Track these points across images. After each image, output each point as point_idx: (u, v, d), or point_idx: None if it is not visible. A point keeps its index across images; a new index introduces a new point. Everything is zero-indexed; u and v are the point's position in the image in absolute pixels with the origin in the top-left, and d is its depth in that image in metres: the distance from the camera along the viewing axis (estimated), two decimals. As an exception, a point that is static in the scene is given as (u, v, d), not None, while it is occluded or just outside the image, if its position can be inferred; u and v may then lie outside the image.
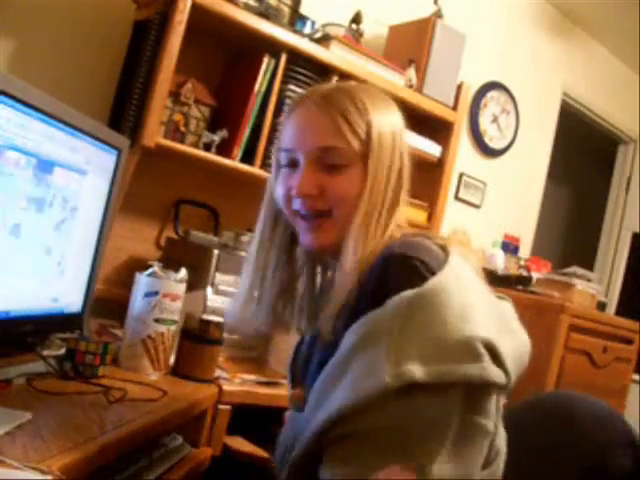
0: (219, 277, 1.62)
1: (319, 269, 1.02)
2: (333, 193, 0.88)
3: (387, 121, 0.92)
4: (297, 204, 0.90)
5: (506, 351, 0.75)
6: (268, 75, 1.82)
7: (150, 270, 1.33)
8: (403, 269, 0.78)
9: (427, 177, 2.25)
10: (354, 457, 0.73)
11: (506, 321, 0.84)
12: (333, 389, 0.76)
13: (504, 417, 0.85)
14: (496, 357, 0.73)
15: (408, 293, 0.74)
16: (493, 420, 0.76)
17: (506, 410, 0.86)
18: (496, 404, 0.78)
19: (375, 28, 2.36)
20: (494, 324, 0.78)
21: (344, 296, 0.84)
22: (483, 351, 0.72)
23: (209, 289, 1.60)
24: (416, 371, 0.70)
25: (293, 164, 0.91)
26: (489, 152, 3.00)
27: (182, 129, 1.76)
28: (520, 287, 2.51)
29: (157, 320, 1.29)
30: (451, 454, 0.71)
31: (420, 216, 2.25)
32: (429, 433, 0.71)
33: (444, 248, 0.83)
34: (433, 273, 0.77)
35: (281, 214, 0.97)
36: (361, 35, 2.15)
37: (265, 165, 1.84)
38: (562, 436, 0.97)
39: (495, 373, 0.73)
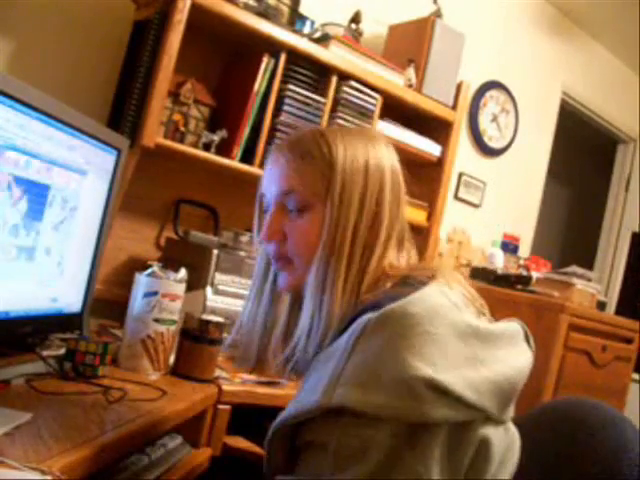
0: (219, 277, 1.63)
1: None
2: (294, 237, 0.88)
3: (358, 160, 0.87)
4: (268, 248, 0.92)
5: (470, 383, 0.71)
6: (267, 75, 1.82)
7: (150, 270, 1.33)
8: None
9: (426, 177, 2.25)
10: (303, 469, 0.75)
11: (489, 350, 0.77)
12: (291, 404, 0.79)
13: (516, 425, 0.84)
14: (447, 394, 0.69)
15: (366, 316, 0.73)
16: (434, 465, 0.70)
17: (516, 416, 0.84)
18: (471, 438, 0.73)
19: (374, 28, 2.37)
20: (459, 356, 0.72)
21: (308, 344, 0.84)
22: (425, 392, 0.68)
23: (209, 289, 1.60)
24: (348, 396, 0.69)
25: (266, 209, 0.93)
26: (489, 151, 3.00)
27: (181, 129, 1.76)
28: (520, 287, 2.51)
29: (157, 320, 1.29)
30: None
31: (420, 216, 2.25)
32: (355, 459, 0.69)
33: (421, 282, 0.79)
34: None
35: None
36: (360, 35, 2.15)
37: (265, 165, 1.83)
38: (574, 443, 0.95)
39: (440, 413, 0.68)
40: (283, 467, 0.80)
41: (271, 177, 0.91)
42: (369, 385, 0.69)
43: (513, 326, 0.84)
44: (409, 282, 0.81)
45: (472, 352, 0.75)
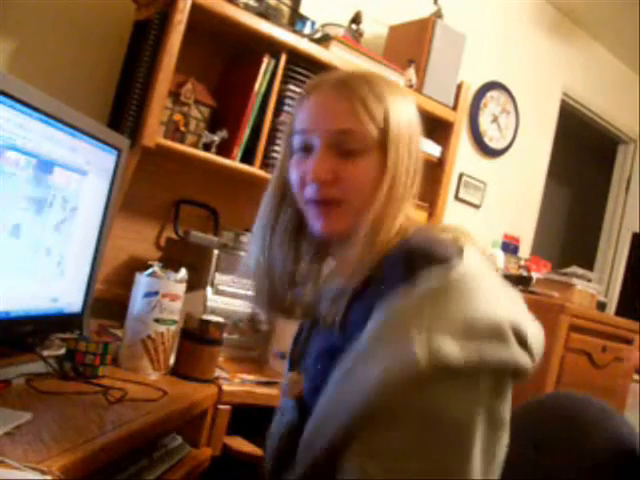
0: (219, 277, 1.63)
1: (325, 257, 1.00)
2: (348, 180, 0.85)
3: (405, 111, 0.90)
4: (310, 190, 0.87)
5: (532, 335, 0.74)
6: (268, 75, 1.82)
7: (150, 270, 1.33)
8: (427, 262, 0.75)
9: (427, 177, 2.22)
10: (382, 452, 0.69)
11: (526, 308, 0.82)
12: (355, 377, 0.71)
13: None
14: (523, 341, 0.72)
15: (433, 281, 0.72)
16: (509, 411, 0.74)
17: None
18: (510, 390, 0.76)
19: (375, 28, 2.36)
20: (518, 309, 0.77)
21: (351, 283, 0.82)
22: (511, 334, 0.70)
23: (209, 289, 1.60)
24: (449, 347, 0.67)
25: (307, 148, 0.88)
26: (489, 152, 3.00)
27: (182, 129, 1.76)
28: (520, 287, 2.51)
29: (157, 320, 1.29)
30: (481, 454, 0.69)
31: (420, 216, 2.25)
32: (458, 433, 0.68)
33: (456, 241, 0.81)
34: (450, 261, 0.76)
35: (289, 198, 0.95)
36: (361, 35, 2.15)
37: (265, 165, 1.84)
38: (563, 437, 0.96)
39: (523, 358, 0.71)
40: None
41: (322, 115, 0.87)
42: (466, 334, 0.68)
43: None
44: (438, 227, 0.87)
45: (522, 308, 0.78)
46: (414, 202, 0.93)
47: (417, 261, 0.76)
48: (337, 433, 0.71)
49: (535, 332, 0.77)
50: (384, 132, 0.86)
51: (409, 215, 0.90)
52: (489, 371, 0.70)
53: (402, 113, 0.89)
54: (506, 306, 0.74)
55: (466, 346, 0.68)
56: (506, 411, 0.73)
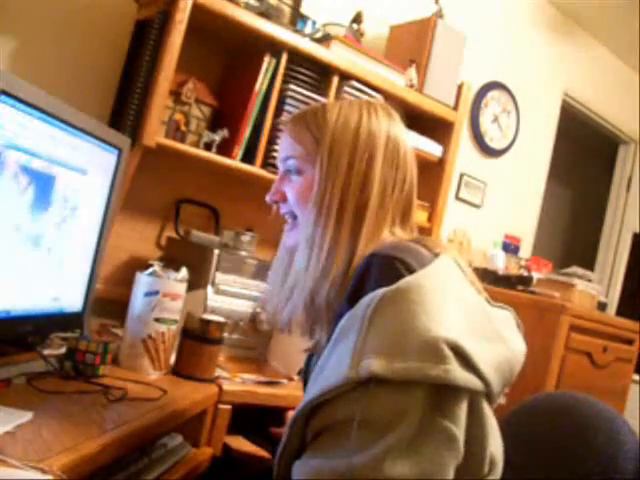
0: (219, 277, 1.62)
1: None
2: (290, 197, 0.96)
3: (349, 124, 0.92)
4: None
5: (481, 356, 0.73)
6: (269, 75, 1.82)
7: (150, 269, 1.33)
8: (383, 269, 0.78)
9: (428, 177, 2.25)
10: (321, 449, 0.74)
11: (494, 328, 0.81)
12: (314, 384, 0.77)
13: (504, 420, 0.85)
14: (466, 360, 0.71)
15: (382, 289, 0.74)
16: (462, 427, 0.73)
17: (507, 411, 0.85)
18: (477, 411, 0.76)
19: (376, 28, 2.36)
20: (470, 328, 0.75)
21: (300, 299, 0.89)
22: (448, 353, 0.70)
23: (209, 289, 1.60)
24: (375, 365, 0.69)
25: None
26: (490, 152, 3.00)
27: (183, 129, 1.76)
28: (521, 287, 2.51)
29: (157, 320, 1.29)
30: (408, 450, 0.69)
31: (421, 216, 2.25)
32: (387, 427, 0.69)
33: (436, 254, 0.82)
34: (413, 272, 0.76)
35: None
36: (362, 35, 2.15)
37: (266, 165, 1.84)
38: (564, 436, 0.96)
39: (462, 376, 0.70)
40: (298, 454, 0.79)
41: (279, 147, 1.01)
42: (394, 352, 0.70)
43: (507, 312, 0.88)
44: (416, 240, 0.86)
45: (481, 327, 0.79)
46: (391, 217, 0.92)
47: (372, 268, 0.79)
48: (288, 435, 0.80)
49: (498, 353, 0.77)
50: (317, 152, 0.92)
51: (394, 231, 0.91)
52: (425, 386, 0.70)
53: (345, 127, 0.91)
54: (451, 324, 0.73)
55: (393, 365, 0.69)
56: (458, 427, 0.72)
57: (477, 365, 0.72)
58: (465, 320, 0.76)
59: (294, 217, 0.97)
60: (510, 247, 3.05)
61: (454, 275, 0.81)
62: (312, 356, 1.05)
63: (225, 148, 1.80)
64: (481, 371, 0.72)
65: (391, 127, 0.94)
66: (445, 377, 0.69)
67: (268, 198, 1.00)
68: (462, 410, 0.73)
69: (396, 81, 2.09)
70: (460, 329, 0.74)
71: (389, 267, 0.77)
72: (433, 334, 0.70)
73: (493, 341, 0.78)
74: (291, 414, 1.39)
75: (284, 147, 0.98)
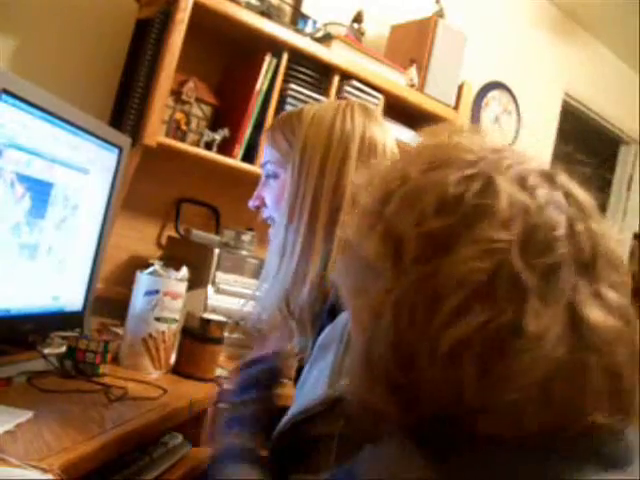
0: (220, 276, 1.62)
1: None
2: (267, 202, 0.96)
3: (321, 127, 0.89)
4: None
5: None
6: (269, 74, 1.82)
7: (151, 269, 1.33)
8: None
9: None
10: (306, 465, 0.73)
11: None
12: (295, 401, 0.77)
13: None
14: None
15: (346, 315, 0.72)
16: None
17: None
18: None
19: (377, 27, 2.36)
20: None
21: (273, 304, 0.88)
22: None
23: (210, 288, 1.60)
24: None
25: None
26: (490, 152, 3.00)
27: (183, 128, 1.76)
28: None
29: (158, 319, 1.29)
30: None
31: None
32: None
33: None
34: None
35: None
36: (362, 34, 2.15)
37: (266, 164, 1.84)
38: None
39: None
40: (291, 468, 0.78)
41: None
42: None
43: None
44: None
45: None
46: None
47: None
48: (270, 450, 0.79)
49: None
50: (290, 155, 0.91)
51: None
52: None
53: (317, 131, 0.89)
54: None
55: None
56: None
57: None
58: None
59: (273, 221, 0.97)
60: (510, 247, 3.05)
61: None
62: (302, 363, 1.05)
63: (226, 147, 1.80)
64: None
65: (368, 127, 0.91)
66: None
67: (250, 203, 1.01)
68: None
69: (397, 81, 2.08)
70: None
71: None
72: None
73: None
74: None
75: (265, 153, 0.98)
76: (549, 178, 0.49)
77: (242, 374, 0.86)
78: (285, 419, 0.77)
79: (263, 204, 0.99)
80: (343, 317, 0.73)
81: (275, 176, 0.95)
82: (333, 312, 0.77)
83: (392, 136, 0.95)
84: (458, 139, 0.53)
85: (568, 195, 0.49)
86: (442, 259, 0.44)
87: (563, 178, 0.50)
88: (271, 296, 0.90)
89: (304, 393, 0.75)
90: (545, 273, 0.44)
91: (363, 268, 0.49)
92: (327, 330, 0.75)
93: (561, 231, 0.46)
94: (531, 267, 0.44)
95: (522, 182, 0.47)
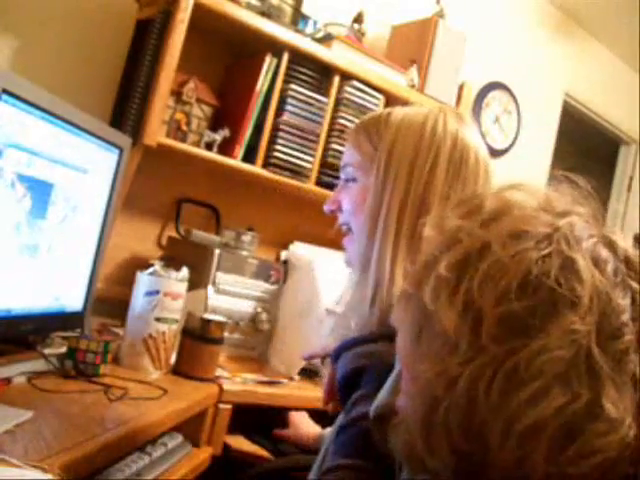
0: (220, 276, 1.62)
1: None
2: (345, 207, 0.89)
3: (411, 130, 0.83)
4: None
5: None
6: (270, 74, 1.82)
7: (151, 269, 1.33)
8: None
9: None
10: None
11: None
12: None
13: None
14: None
15: None
16: None
17: None
18: None
19: (377, 28, 2.36)
20: None
21: (346, 326, 0.81)
22: None
23: (210, 288, 1.60)
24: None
25: None
26: (491, 152, 2.95)
27: (184, 128, 1.76)
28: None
29: (158, 319, 1.29)
30: None
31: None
32: None
33: None
34: None
35: None
36: (363, 35, 2.15)
37: (266, 165, 1.83)
38: None
39: None
40: None
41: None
42: None
43: None
44: None
45: None
46: None
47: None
48: None
49: None
50: (374, 159, 0.85)
51: None
52: None
53: (407, 134, 0.83)
54: None
55: None
56: None
57: None
58: None
59: (349, 229, 0.90)
60: (511, 247, 3.05)
61: None
62: None
63: (226, 148, 1.80)
64: None
65: (460, 134, 0.84)
66: None
67: (325, 207, 0.92)
68: None
69: (397, 81, 2.08)
70: None
71: None
72: None
73: None
74: (293, 414, 1.40)
75: (345, 155, 0.91)
76: (612, 247, 0.51)
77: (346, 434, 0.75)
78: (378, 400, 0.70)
79: (339, 209, 0.91)
80: None
81: (355, 180, 0.88)
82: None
83: (484, 145, 0.89)
84: (519, 196, 0.54)
85: (629, 263, 0.50)
86: (524, 342, 0.45)
87: (621, 243, 0.51)
88: (349, 315, 0.83)
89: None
90: (617, 358, 0.46)
91: (438, 337, 0.49)
92: None
93: (627, 315, 0.47)
94: (606, 353, 0.45)
95: (596, 260, 0.48)
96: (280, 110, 1.85)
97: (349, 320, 0.83)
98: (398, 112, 0.87)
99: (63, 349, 1.19)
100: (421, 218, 0.76)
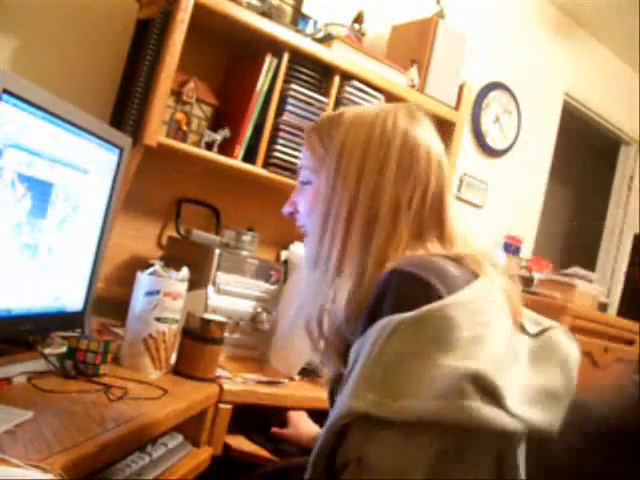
0: (220, 276, 1.62)
1: None
2: (301, 208, 0.92)
3: (360, 130, 0.83)
4: None
5: (510, 389, 0.65)
6: (270, 74, 1.82)
7: (151, 269, 1.33)
8: (402, 290, 0.70)
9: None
10: None
11: (541, 357, 0.73)
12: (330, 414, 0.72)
13: None
14: (492, 398, 0.63)
15: (399, 315, 0.66)
16: (487, 475, 0.66)
17: None
18: (509, 459, 0.67)
19: (377, 28, 2.36)
20: (507, 361, 0.68)
21: (304, 316, 0.85)
22: (468, 387, 0.62)
23: (210, 288, 1.60)
24: (381, 404, 0.63)
25: None
26: (491, 152, 3.00)
27: (184, 128, 1.76)
28: (521, 288, 2.50)
29: (158, 319, 1.29)
30: None
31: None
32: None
33: (474, 275, 0.74)
34: (439, 298, 0.67)
35: None
36: (363, 35, 2.15)
37: (267, 164, 1.83)
38: (578, 442, 0.94)
39: (485, 415, 0.62)
40: None
41: None
42: (402, 390, 0.63)
43: (551, 334, 0.78)
44: (452, 257, 0.77)
45: (513, 362, 0.70)
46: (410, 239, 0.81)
47: (390, 287, 0.71)
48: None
49: (521, 387, 0.67)
50: (325, 161, 0.86)
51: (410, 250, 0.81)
52: (439, 430, 0.63)
53: (357, 133, 0.84)
54: (470, 363, 0.64)
55: (392, 403, 0.63)
56: (465, 471, 0.65)
57: (504, 402, 0.63)
58: (496, 350, 0.67)
59: (305, 231, 0.93)
60: (511, 247, 3.05)
61: (488, 305, 0.71)
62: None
63: (226, 148, 1.80)
64: (509, 408, 0.64)
65: (411, 132, 0.84)
66: (463, 415, 0.62)
67: (284, 210, 0.95)
68: (486, 457, 0.65)
69: (397, 81, 2.08)
70: (487, 359, 0.66)
71: (409, 288, 0.69)
72: (452, 371, 0.63)
73: (522, 378, 0.69)
74: (293, 414, 1.39)
75: (302, 156, 0.93)
76: None
77: None
78: (319, 442, 0.70)
79: (297, 211, 0.93)
80: (380, 324, 0.67)
81: (310, 183, 0.89)
82: (367, 322, 0.71)
83: (438, 141, 0.89)
84: None
85: None
86: None
87: None
88: (303, 308, 0.85)
89: (336, 406, 0.69)
90: None
91: None
92: (362, 337, 0.69)
93: None
94: None
95: None
96: (280, 110, 1.85)
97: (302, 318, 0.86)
98: (349, 112, 0.87)
99: (63, 349, 1.19)
100: (371, 216, 0.80)
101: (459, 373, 0.63)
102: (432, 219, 0.84)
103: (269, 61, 1.81)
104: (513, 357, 0.71)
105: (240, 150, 1.81)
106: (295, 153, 1.86)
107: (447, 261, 0.76)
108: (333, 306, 0.81)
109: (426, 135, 0.87)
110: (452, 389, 0.62)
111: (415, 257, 0.78)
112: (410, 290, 0.69)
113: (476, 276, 0.74)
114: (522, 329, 0.77)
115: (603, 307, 2.76)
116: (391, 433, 0.63)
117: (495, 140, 3.00)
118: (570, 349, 0.77)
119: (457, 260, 0.77)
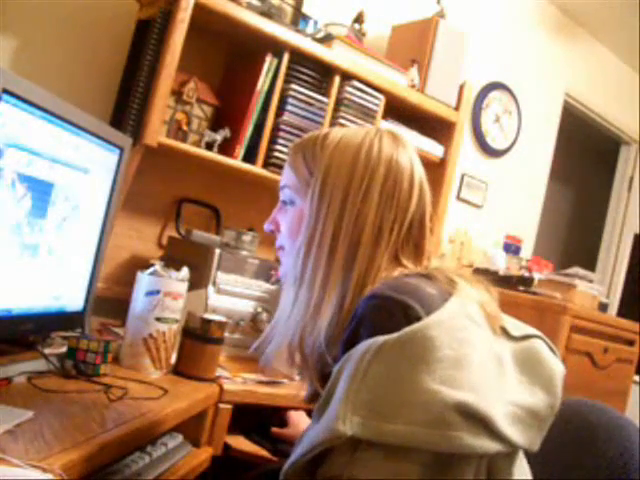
0: (220, 276, 1.62)
1: None
2: (282, 229, 0.91)
3: (346, 154, 0.84)
4: None
5: (501, 415, 0.65)
6: (270, 74, 1.82)
7: (152, 269, 1.33)
8: (381, 314, 0.70)
9: (429, 177, 2.22)
10: None
11: (509, 378, 0.72)
12: (306, 435, 0.71)
13: None
14: (479, 420, 0.63)
15: (382, 337, 0.67)
16: None
17: None
18: (499, 472, 0.68)
19: (378, 28, 2.36)
20: (480, 384, 0.67)
21: (285, 338, 0.85)
22: (452, 416, 0.62)
23: (210, 288, 1.60)
24: (365, 426, 0.63)
25: None
26: (491, 152, 3.00)
27: (184, 128, 1.76)
28: (521, 288, 2.51)
29: (158, 319, 1.29)
30: None
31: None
32: None
33: (448, 292, 0.75)
34: (418, 319, 0.68)
35: None
36: (364, 35, 2.15)
37: (267, 164, 1.84)
38: (574, 446, 0.94)
39: (470, 443, 0.62)
40: None
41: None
42: (389, 413, 0.63)
43: (533, 343, 0.77)
44: (427, 275, 0.78)
45: (499, 375, 0.70)
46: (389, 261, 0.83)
47: (369, 312, 0.72)
48: None
49: (503, 407, 0.67)
50: (309, 183, 0.86)
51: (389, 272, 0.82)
52: (425, 452, 0.64)
53: (342, 157, 0.84)
54: (454, 383, 0.65)
55: (375, 426, 0.63)
56: None
57: (492, 424, 0.64)
58: (475, 374, 0.67)
59: (283, 250, 0.92)
60: (511, 247, 3.05)
61: (465, 321, 0.71)
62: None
63: (226, 148, 1.80)
64: (501, 431, 0.64)
65: (395, 157, 0.86)
66: (448, 444, 0.62)
67: (266, 226, 0.95)
68: (470, 474, 0.66)
69: (398, 81, 2.08)
70: (470, 384, 0.66)
71: (388, 312, 0.70)
72: (435, 396, 0.63)
73: (507, 392, 0.69)
74: (292, 414, 1.39)
75: (283, 175, 0.92)
76: None
77: None
78: (293, 455, 0.70)
79: (278, 229, 0.93)
80: (363, 346, 0.68)
81: (292, 203, 0.89)
82: (347, 346, 0.71)
83: (420, 165, 0.90)
84: None
85: None
86: None
87: None
88: (284, 329, 0.85)
89: (315, 429, 0.68)
90: None
91: None
92: (343, 358, 0.69)
93: None
94: None
95: None
96: (280, 110, 1.85)
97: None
98: (335, 135, 0.87)
99: (63, 349, 1.19)
100: (352, 244, 0.81)
101: (446, 403, 0.63)
102: (410, 240, 0.86)
103: (269, 61, 1.81)
104: (497, 366, 0.71)
105: (240, 150, 1.81)
106: (295, 153, 1.86)
107: (422, 279, 0.77)
108: (315, 327, 0.82)
109: (409, 159, 0.88)
110: (440, 418, 0.63)
111: (391, 280, 0.79)
112: (388, 314, 0.70)
113: (450, 292, 0.75)
114: (504, 332, 0.76)
115: (603, 307, 2.75)
116: (378, 453, 0.64)
117: (495, 140, 3.00)
118: (553, 364, 0.75)
119: (430, 278, 0.78)
